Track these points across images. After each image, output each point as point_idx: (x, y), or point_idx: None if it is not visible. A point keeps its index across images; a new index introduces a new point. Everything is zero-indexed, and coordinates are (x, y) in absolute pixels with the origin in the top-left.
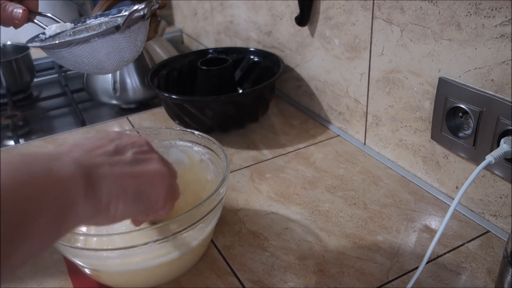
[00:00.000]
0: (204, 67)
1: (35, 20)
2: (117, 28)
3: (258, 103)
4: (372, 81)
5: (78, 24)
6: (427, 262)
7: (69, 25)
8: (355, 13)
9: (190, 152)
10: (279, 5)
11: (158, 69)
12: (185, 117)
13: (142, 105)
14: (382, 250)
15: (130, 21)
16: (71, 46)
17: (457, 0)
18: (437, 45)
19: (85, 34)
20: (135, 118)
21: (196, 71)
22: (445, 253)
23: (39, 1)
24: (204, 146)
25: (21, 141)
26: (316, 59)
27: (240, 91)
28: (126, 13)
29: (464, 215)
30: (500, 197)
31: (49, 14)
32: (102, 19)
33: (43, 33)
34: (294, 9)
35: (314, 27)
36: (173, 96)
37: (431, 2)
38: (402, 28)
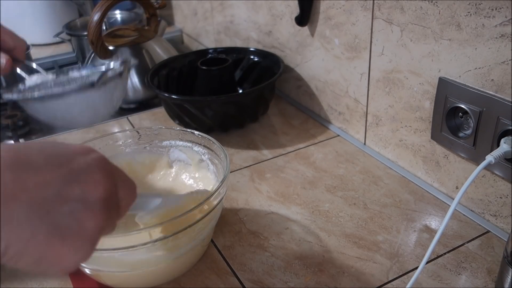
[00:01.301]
0: (204, 67)
1: (17, 69)
2: (92, 85)
3: (258, 103)
4: (372, 81)
5: (60, 76)
6: (427, 262)
7: (50, 77)
8: (355, 13)
9: (190, 152)
10: (279, 5)
11: (158, 69)
12: (185, 117)
13: (142, 105)
14: (382, 250)
15: (106, 78)
16: (44, 100)
17: (457, 0)
18: (437, 45)
19: (61, 89)
20: (135, 118)
21: (196, 71)
22: (445, 253)
23: (40, 1)
24: (204, 146)
25: (21, 141)
26: (316, 59)
27: (240, 91)
28: (103, 69)
29: (464, 215)
30: (500, 197)
31: (34, 65)
32: (84, 72)
33: (23, 84)
34: (294, 9)
35: (314, 27)
36: (173, 96)
37: (431, 2)
38: (402, 28)
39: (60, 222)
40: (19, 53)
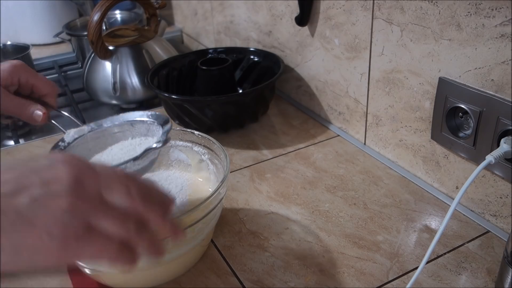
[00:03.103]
0: (204, 67)
1: (53, 121)
2: (135, 159)
3: (258, 103)
4: (372, 81)
5: (95, 128)
6: (427, 262)
7: (86, 129)
8: (355, 13)
9: (190, 152)
10: (279, 5)
11: (158, 69)
12: (185, 117)
13: (142, 105)
14: (382, 250)
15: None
16: None
17: (457, 0)
18: (437, 45)
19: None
20: None
21: (196, 71)
22: (445, 253)
23: (40, 1)
24: (204, 146)
25: (21, 141)
26: (316, 59)
27: (240, 91)
28: (142, 143)
29: (464, 215)
30: (500, 197)
31: (66, 114)
32: (117, 123)
33: (63, 140)
34: (294, 9)
35: (314, 27)
36: (173, 96)
37: (431, 2)
38: (402, 28)
39: (23, 209)
40: (51, 99)
